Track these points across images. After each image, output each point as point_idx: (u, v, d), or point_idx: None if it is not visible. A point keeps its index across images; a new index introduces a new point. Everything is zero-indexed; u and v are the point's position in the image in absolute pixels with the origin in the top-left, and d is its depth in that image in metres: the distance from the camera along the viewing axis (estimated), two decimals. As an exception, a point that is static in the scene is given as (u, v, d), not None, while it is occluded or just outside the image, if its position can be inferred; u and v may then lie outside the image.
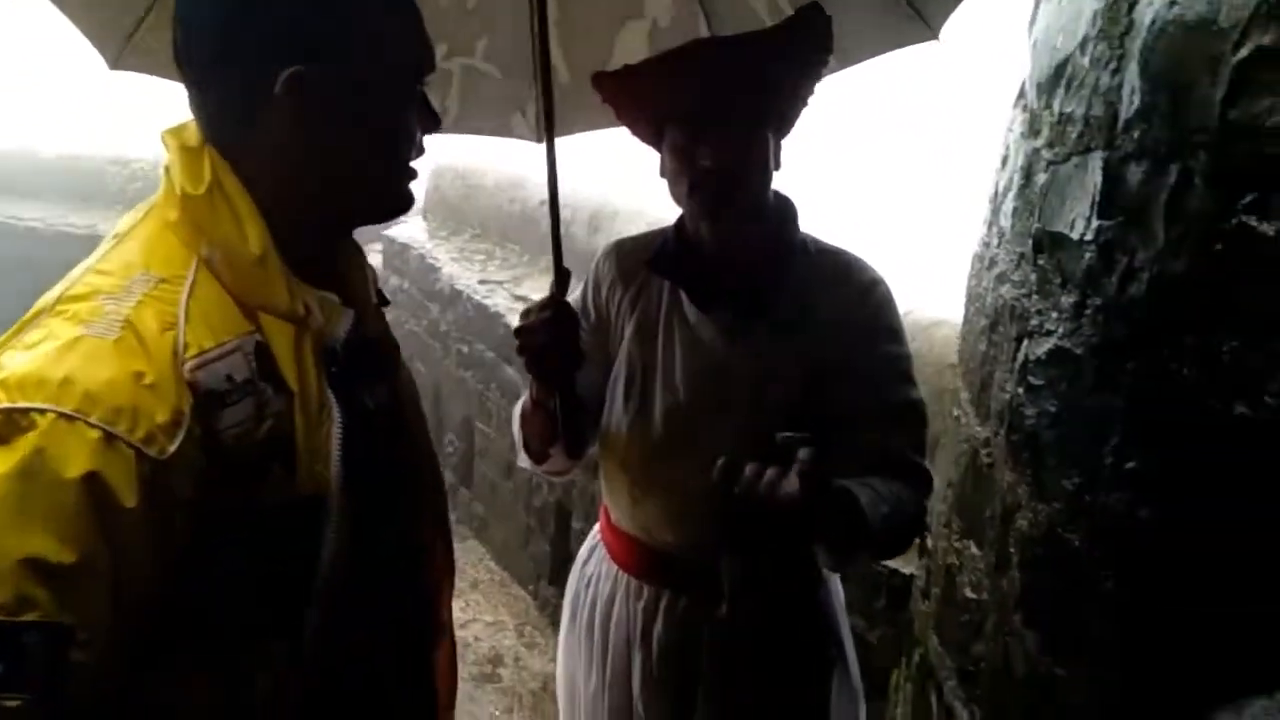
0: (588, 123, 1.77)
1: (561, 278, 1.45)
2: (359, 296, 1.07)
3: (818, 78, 1.47)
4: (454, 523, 4.97)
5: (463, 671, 3.73)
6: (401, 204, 1.03)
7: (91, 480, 0.77)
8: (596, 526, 1.81)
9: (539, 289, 4.74)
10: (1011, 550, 1.57)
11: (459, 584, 4.39)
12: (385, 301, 1.16)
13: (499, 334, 4.44)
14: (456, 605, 4.24)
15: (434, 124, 1.03)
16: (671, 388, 1.54)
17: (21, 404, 0.77)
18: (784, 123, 1.48)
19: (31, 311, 0.88)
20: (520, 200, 5.55)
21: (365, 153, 0.97)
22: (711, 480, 1.41)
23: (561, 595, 4.05)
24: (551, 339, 1.39)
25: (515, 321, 4.34)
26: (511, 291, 4.76)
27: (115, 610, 0.80)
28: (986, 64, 1.70)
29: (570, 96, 1.47)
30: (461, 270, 5.15)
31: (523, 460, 1.66)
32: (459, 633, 4.03)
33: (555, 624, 4.13)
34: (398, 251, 5.74)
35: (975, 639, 1.70)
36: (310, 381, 0.93)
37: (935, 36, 1.60)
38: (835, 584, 1.74)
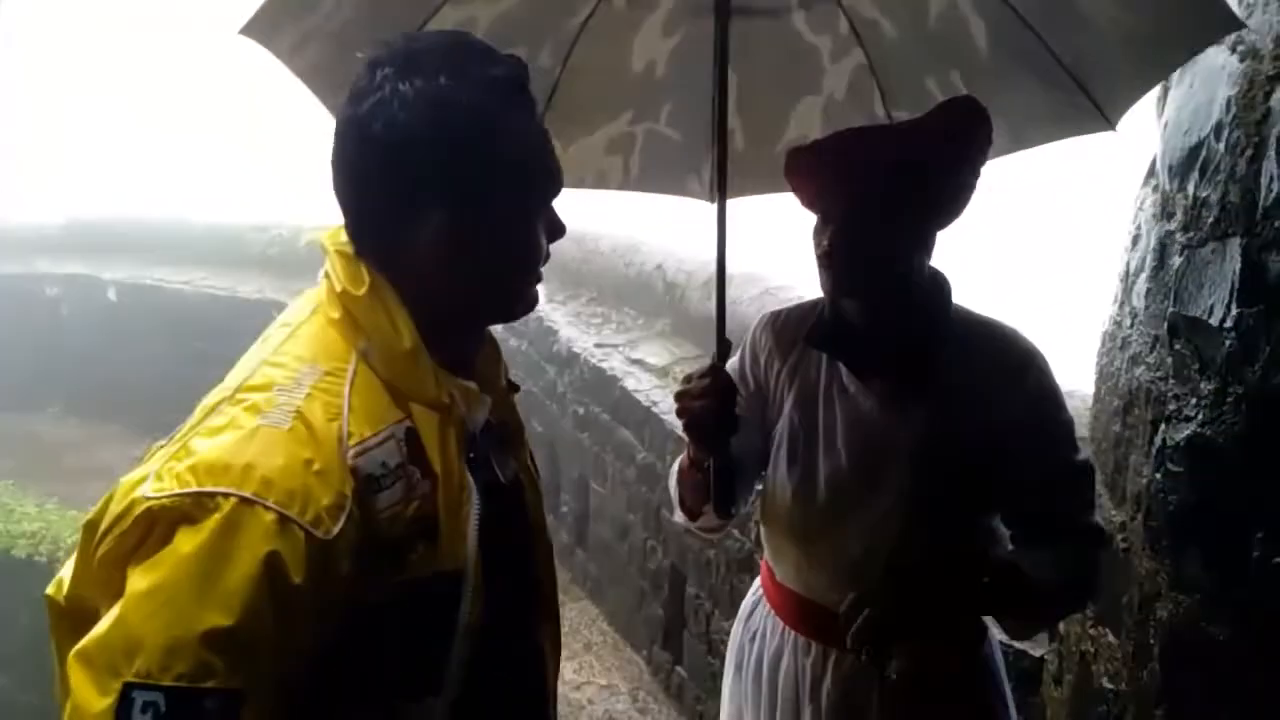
0: (757, 188, 1.86)
1: (722, 347, 1.56)
2: (491, 382, 1.17)
3: (976, 165, 1.51)
4: (567, 583, 5.06)
5: (576, 735, 3.75)
6: (528, 307, 1.15)
7: (270, 559, 0.86)
8: (757, 581, 1.87)
9: (654, 352, 4.82)
10: (1151, 641, 1.53)
11: (573, 645, 4.45)
12: (515, 388, 1.25)
13: (614, 396, 4.53)
14: (569, 667, 4.29)
15: (559, 232, 1.13)
16: (834, 455, 1.60)
17: (209, 488, 0.87)
18: (933, 209, 1.52)
19: (213, 398, 1.00)
20: (636, 264, 5.67)
21: (499, 272, 1.08)
22: (872, 544, 1.54)
23: (675, 661, 4.07)
24: (710, 406, 1.47)
25: (630, 384, 4.41)
26: (627, 355, 4.85)
27: (280, 675, 0.89)
28: (1115, 139, 1.68)
29: (743, 162, 1.56)
30: (578, 333, 5.29)
31: (678, 516, 1.75)
32: (572, 694, 4.07)
33: (668, 689, 4.12)
34: (517, 314, 5.92)
35: (1113, 731, 1.65)
36: (453, 466, 1.01)
37: (1113, 128, 1.60)
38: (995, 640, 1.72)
